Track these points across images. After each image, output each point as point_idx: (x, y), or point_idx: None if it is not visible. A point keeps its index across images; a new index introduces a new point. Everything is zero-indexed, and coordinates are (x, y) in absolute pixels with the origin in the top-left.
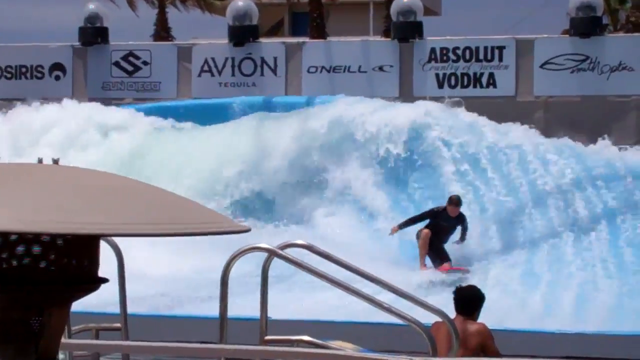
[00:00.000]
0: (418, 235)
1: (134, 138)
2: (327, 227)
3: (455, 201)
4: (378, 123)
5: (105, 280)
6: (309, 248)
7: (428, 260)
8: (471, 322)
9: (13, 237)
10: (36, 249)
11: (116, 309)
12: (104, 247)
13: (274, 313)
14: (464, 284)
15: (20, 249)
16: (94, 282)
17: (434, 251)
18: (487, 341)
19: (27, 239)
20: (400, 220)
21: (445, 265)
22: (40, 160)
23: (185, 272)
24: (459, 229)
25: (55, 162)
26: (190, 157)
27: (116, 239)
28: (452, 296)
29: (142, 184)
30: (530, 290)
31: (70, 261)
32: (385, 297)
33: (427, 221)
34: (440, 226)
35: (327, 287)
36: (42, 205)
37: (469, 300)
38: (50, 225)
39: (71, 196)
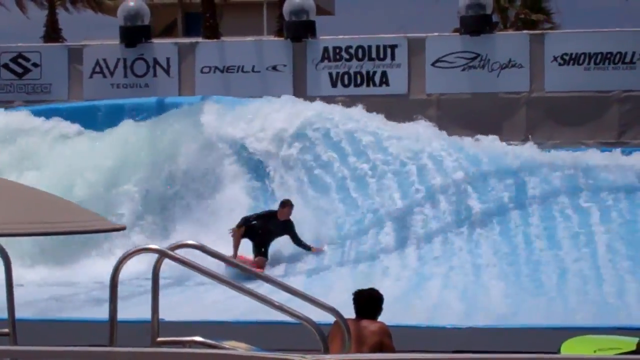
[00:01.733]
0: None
1: (22, 141)
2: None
3: (284, 203)
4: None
5: None
6: (201, 248)
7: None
8: (371, 322)
9: None
10: None
11: (3, 314)
12: None
13: (167, 315)
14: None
15: None
16: None
17: (257, 247)
18: (384, 339)
19: None
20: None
21: (254, 262)
22: None
23: (77, 276)
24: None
25: None
26: (80, 162)
27: (3, 243)
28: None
29: (15, 184)
30: (423, 287)
31: None
32: (280, 296)
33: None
34: (266, 229)
35: (220, 288)
36: None
37: (368, 303)
38: None
39: None
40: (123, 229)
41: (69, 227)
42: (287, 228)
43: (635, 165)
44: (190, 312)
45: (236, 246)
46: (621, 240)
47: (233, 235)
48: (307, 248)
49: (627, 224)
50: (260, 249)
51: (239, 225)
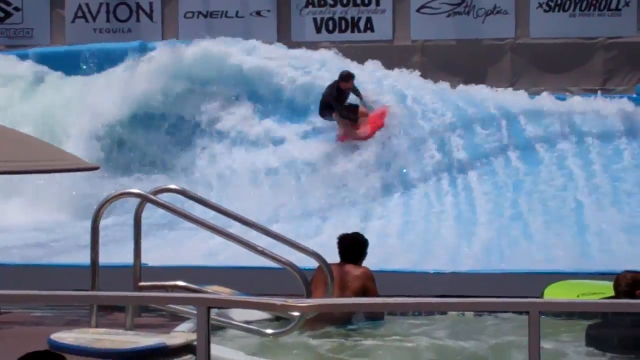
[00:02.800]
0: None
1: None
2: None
3: (345, 76)
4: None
5: None
6: (183, 193)
7: None
8: (354, 267)
9: None
10: None
11: None
12: None
13: (149, 260)
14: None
15: None
16: None
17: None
18: (368, 283)
19: None
20: None
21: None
22: None
23: (60, 221)
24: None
25: None
26: (61, 106)
27: None
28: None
29: None
30: (409, 232)
31: None
32: (262, 241)
33: None
34: (342, 98)
35: (203, 233)
36: None
37: (352, 248)
38: None
39: None
40: (97, 168)
41: (43, 165)
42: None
43: (619, 111)
44: (173, 257)
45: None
46: (603, 186)
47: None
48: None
49: (609, 171)
50: (350, 110)
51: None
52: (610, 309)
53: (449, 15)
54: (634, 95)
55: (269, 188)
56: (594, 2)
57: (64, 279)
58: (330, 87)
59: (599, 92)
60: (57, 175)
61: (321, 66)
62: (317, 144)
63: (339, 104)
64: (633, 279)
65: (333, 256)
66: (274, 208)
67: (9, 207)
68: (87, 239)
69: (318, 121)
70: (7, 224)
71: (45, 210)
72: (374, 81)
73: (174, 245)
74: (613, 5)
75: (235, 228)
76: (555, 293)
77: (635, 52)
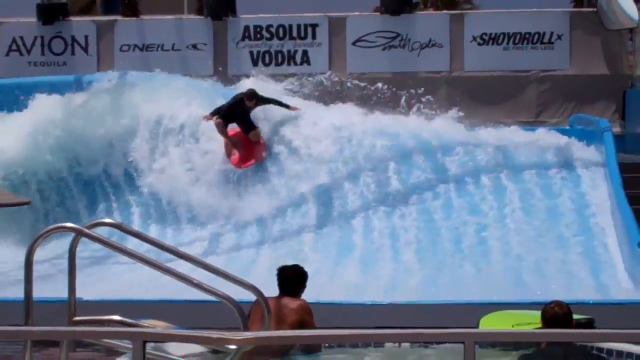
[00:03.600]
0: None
1: None
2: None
3: (249, 95)
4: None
5: None
6: (119, 227)
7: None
8: (292, 299)
9: None
10: None
11: None
12: None
13: (85, 294)
14: (286, 264)
15: None
16: None
17: (243, 124)
18: (305, 316)
19: None
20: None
21: (250, 135)
22: None
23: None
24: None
25: None
26: None
27: None
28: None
29: None
30: (346, 264)
31: None
32: (199, 274)
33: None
34: (243, 109)
35: (140, 267)
36: None
37: (292, 280)
38: None
39: None
40: (28, 203)
41: None
42: (261, 101)
43: (551, 143)
44: (108, 291)
45: (223, 131)
46: (539, 216)
47: (216, 125)
48: (287, 107)
49: (545, 201)
50: (247, 124)
51: (212, 114)
52: (543, 339)
53: (384, 49)
54: (567, 127)
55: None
56: (527, 36)
57: None
58: (239, 99)
59: (533, 124)
60: None
61: None
62: None
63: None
64: (555, 314)
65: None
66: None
67: None
68: (20, 273)
69: None
70: None
71: None
72: (310, 114)
73: (109, 279)
74: (546, 39)
75: (173, 262)
76: (490, 323)
77: (568, 85)
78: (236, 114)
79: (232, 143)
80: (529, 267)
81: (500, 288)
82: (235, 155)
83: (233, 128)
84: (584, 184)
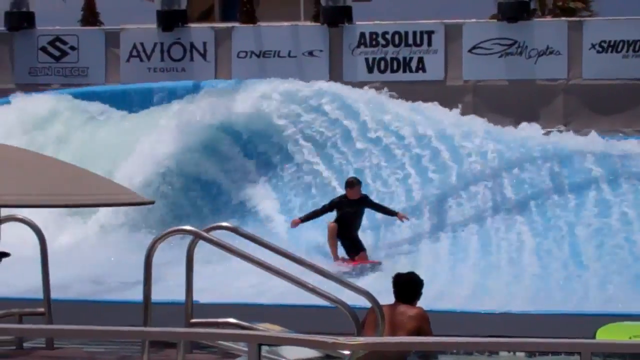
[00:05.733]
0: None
1: (59, 123)
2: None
3: (350, 183)
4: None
5: (5, 255)
6: (235, 230)
7: (343, 251)
8: (409, 307)
9: None
10: None
11: (39, 294)
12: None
13: (201, 297)
14: (402, 271)
15: None
16: None
17: (347, 240)
18: (423, 324)
19: None
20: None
21: (358, 258)
22: None
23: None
24: (366, 212)
25: None
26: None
27: (36, 221)
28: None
29: (42, 157)
30: (461, 272)
31: None
32: (313, 279)
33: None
34: (346, 214)
35: (255, 270)
36: None
37: (408, 287)
38: None
39: None
40: (152, 202)
41: (98, 199)
42: (364, 202)
43: None
44: (224, 294)
45: (334, 244)
46: None
47: (328, 233)
48: (393, 214)
49: None
50: (352, 243)
51: (302, 218)
52: None
53: (501, 56)
54: None
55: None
56: None
57: (118, 315)
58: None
59: None
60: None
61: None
62: None
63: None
64: None
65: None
66: None
67: (65, 243)
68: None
69: None
70: (62, 260)
71: (99, 247)
72: (428, 120)
73: (226, 283)
74: None
75: (287, 266)
76: (607, 334)
77: None
78: (344, 215)
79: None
80: None
81: (617, 299)
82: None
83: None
84: None
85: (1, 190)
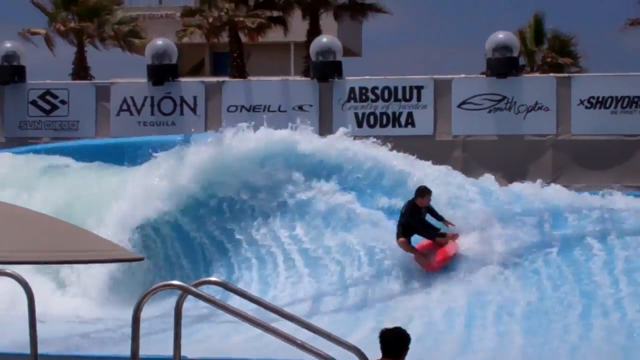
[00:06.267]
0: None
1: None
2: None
3: (423, 191)
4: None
5: None
6: (224, 285)
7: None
8: None
9: None
10: None
11: (27, 349)
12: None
13: (189, 352)
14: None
15: None
16: None
17: (423, 232)
18: None
19: None
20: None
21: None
22: None
23: (104, 313)
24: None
25: None
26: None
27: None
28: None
29: (32, 212)
30: (448, 327)
31: None
32: (303, 335)
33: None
34: (417, 219)
35: (244, 325)
36: None
37: (395, 343)
38: None
39: None
40: (141, 259)
41: (88, 255)
42: (430, 210)
43: None
44: (213, 349)
45: (411, 249)
46: None
47: (400, 245)
48: (441, 219)
49: None
50: (429, 230)
51: (398, 236)
52: None
53: (490, 111)
54: None
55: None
56: (636, 100)
57: None
58: (407, 206)
59: None
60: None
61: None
62: None
63: (419, 224)
64: None
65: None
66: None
67: (55, 298)
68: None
69: None
70: (51, 315)
71: (88, 302)
72: (417, 176)
73: (214, 338)
74: None
75: (277, 322)
76: None
77: None
78: (414, 223)
79: (423, 255)
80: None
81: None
82: (430, 264)
83: (420, 242)
84: None
85: (4, 247)
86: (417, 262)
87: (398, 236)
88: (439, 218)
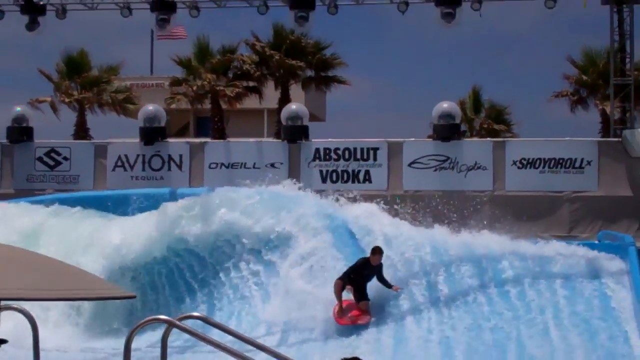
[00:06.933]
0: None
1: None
2: None
3: (377, 250)
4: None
5: (3, 341)
6: (205, 320)
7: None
8: None
9: None
10: None
11: None
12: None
13: None
14: (349, 357)
15: None
16: None
17: (358, 292)
18: None
19: None
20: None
21: (359, 305)
22: None
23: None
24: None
25: None
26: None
27: (30, 309)
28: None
29: (35, 254)
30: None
31: None
32: None
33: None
34: (363, 274)
35: (224, 356)
36: None
37: None
38: None
39: None
40: (133, 297)
41: (84, 294)
42: (378, 270)
43: (584, 256)
44: None
45: (339, 297)
46: (572, 320)
47: (335, 287)
48: (389, 286)
49: (576, 307)
50: (362, 293)
51: (340, 279)
52: None
53: (435, 170)
54: (596, 242)
55: None
56: (561, 162)
57: None
58: (360, 260)
59: (566, 238)
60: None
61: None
62: None
63: (362, 279)
64: None
65: None
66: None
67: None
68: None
69: None
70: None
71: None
72: (371, 227)
73: None
74: (577, 165)
75: (252, 351)
76: None
77: (597, 205)
78: (360, 277)
79: (341, 309)
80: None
81: None
82: (343, 318)
83: (346, 299)
84: (610, 293)
85: (12, 285)
86: (333, 309)
87: (340, 278)
88: (387, 284)
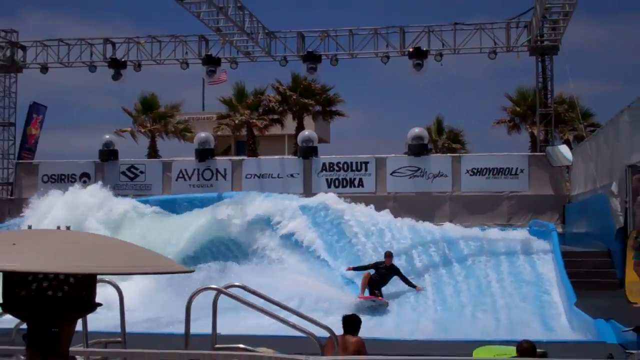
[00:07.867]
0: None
1: (130, 219)
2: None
3: (387, 254)
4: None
5: (99, 304)
6: (244, 288)
7: (367, 292)
8: (352, 337)
9: (40, 276)
10: (55, 284)
11: (117, 329)
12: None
13: (222, 330)
14: (349, 313)
15: (45, 284)
16: (91, 306)
17: (373, 287)
18: (361, 348)
19: (49, 277)
20: (354, 264)
21: (373, 296)
22: (58, 227)
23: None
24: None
25: (68, 228)
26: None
27: (117, 282)
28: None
29: (119, 241)
30: (386, 317)
31: (77, 292)
32: (294, 319)
33: (371, 269)
34: (380, 272)
35: (257, 314)
36: (57, 254)
37: (351, 323)
38: (63, 268)
39: (76, 249)
40: (192, 271)
41: (151, 268)
42: (394, 270)
43: (518, 239)
44: (237, 329)
45: (365, 286)
46: (512, 284)
47: (363, 279)
48: (413, 286)
49: (514, 274)
50: (376, 290)
51: (355, 268)
52: None
53: (410, 177)
54: (528, 228)
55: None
56: (501, 170)
57: (167, 343)
58: (376, 261)
59: (505, 226)
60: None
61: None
62: None
63: (379, 276)
64: (525, 348)
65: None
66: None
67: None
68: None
69: None
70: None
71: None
72: (366, 219)
73: (238, 322)
74: (513, 172)
75: (280, 311)
76: (480, 354)
77: (528, 201)
78: (379, 275)
79: (363, 293)
80: (507, 317)
81: (486, 330)
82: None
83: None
84: (538, 265)
85: (92, 263)
86: (360, 287)
87: (367, 271)
88: (410, 284)
